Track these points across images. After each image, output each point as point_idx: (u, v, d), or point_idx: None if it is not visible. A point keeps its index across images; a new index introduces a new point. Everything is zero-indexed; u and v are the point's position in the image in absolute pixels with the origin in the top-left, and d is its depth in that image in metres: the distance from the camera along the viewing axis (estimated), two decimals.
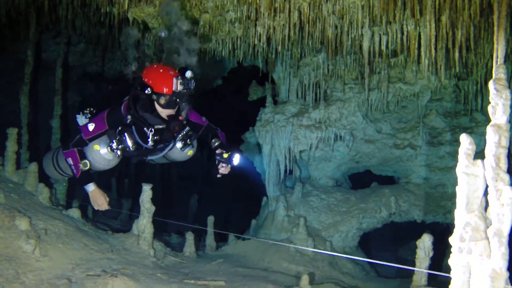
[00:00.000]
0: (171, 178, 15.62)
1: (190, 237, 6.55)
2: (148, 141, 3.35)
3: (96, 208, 3.51)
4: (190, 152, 3.58)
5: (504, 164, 2.88)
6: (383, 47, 5.23)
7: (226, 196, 14.18)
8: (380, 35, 5.15)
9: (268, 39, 5.54)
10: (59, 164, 3.80)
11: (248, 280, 5.34)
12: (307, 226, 7.34)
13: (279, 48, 5.49)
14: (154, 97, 3.09)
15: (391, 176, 9.22)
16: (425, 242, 5.05)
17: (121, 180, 11.62)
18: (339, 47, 5.56)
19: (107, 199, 3.55)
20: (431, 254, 5.09)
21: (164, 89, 3.05)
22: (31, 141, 7.53)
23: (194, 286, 4.81)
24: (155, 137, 3.33)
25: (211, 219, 7.23)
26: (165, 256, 5.90)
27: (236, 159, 3.23)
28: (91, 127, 3.22)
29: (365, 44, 5.21)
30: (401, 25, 4.76)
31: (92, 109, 3.60)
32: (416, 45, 4.77)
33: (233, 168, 3.31)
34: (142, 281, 4.59)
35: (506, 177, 2.88)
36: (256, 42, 5.41)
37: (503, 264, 2.89)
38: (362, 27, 5.03)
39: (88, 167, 3.31)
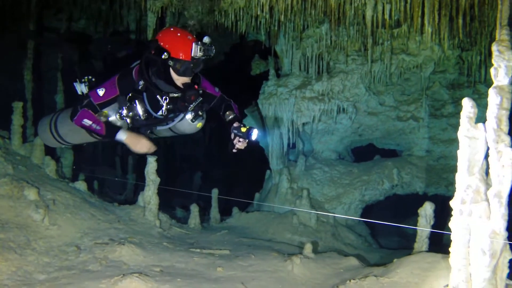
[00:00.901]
0: (174, 157, 15.72)
1: (195, 209, 6.66)
2: (162, 110, 3.11)
3: (143, 151, 3.10)
4: (199, 124, 3.31)
5: (505, 126, 2.91)
6: (387, 16, 5.19)
7: (230, 175, 14.29)
8: (383, 3, 5.11)
9: (271, 10, 5.51)
10: (58, 130, 3.49)
11: (253, 249, 5.45)
12: (310, 198, 7.43)
13: (282, 18, 5.46)
14: (171, 62, 2.80)
15: (393, 150, 9.27)
16: (426, 210, 5.13)
17: (125, 158, 11.71)
18: (342, 17, 5.52)
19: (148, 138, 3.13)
20: (432, 221, 5.17)
21: (182, 55, 2.79)
22: (36, 116, 7.58)
23: (199, 254, 4.92)
24: (169, 106, 3.08)
25: (215, 192, 7.32)
26: (171, 227, 6.01)
27: (255, 134, 2.98)
28: (101, 92, 2.92)
29: (368, 13, 5.18)
30: None
31: (90, 77, 3.35)
32: (420, 13, 4.73)
33: (250, 142, 3.02)
34: (148, 249, 4.70)
35: (507, 138, 2.91)
36: (259, 12, 5.38)
37: (502, 224, 2.96)
38: None
39: (108, 117, 3.00)
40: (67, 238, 4.46)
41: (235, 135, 2.96)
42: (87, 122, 2.96)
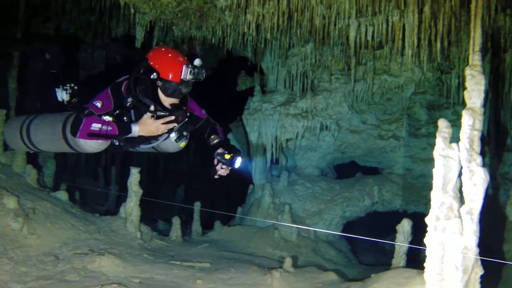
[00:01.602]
0: (158, 170, 15.65)
1: (176, 221, 6.65)
2: None
3: (163, 130, 2.94)
4: (183, 143, 3.21)
5: (477, 146, 3.05)
6: (369, 38, 5.37)
7: (212, 190, 14.27)
8: (366, 25, 5.29)
9: (258, 28, 5.65)
10: (30, 136, 3.33)
11: (233, 262, 5.46)
12: (292, 213, 7.50)
13: (268, 36, 5.60)
14: (159, 83, 2.74)
15: (375, 167, 9.43)
16: (404, 227, 5.24)
17: (108, 169, 11.63)
18: (327, 37, 5.69)
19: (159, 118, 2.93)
20: (410, 238, 5.28)
21: (172, 76, 2.73)
22: None
23: (180, 266, 4.92)
24: None
25: (197, 205, 7.33)
26: (152, 239, 5.99)
27: (238, 162, 2.91)
28: (99, 104, 2.81)
29: (352, 34, 5.35)
30: (387, 16, 4.90)
31: (73, 85, 3.28)
32: (400, 36, 4.92)
33: (233, 170, 2.94)
34: (128, 260, 4.68)
35: (479, 158, 3.04)
36: (245, 30, 5.51)
37: (474, 240, 3.08)
38: (349, 18, 5.16)
39: (112, 117, 2.87)
40: (45, 247, 4.42)
41: (218, 161, 2.88)
42: (96, 126, 2.76)
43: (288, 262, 5.28)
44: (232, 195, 12.39)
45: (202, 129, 3.22)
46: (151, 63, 2.76)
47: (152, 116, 2.86)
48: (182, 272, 4.67)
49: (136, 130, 2.85)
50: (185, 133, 3.12)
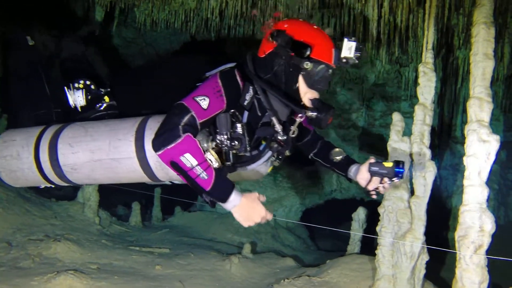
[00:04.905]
0: None
1: (136, 207, 6.61)
2: (280, 143, 1.94)
3: (256, 222, 1.74)
4: (270, 168, 2.17)
5: (427, 140, 3.22)
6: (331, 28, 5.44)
7: None
8: (328, 16, 5.37)
9: (221, 14, 5.61)
10: (58, 160, 1.99)
11: (193, 248, 5.51)
12: None
13: (231, 22, 5.58)
14: (307, 65, 1.78)
15: None
16: (359, 215, 5.45)
17: None
18: None
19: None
20: (364, 225, 5.50)
21: (326, 56, 1.82)
22: None
23: (139, 252, 4.92)
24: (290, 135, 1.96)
25: (158, 191, 7.29)
26: (111, 225, 5.94)
27: (406, 168, 2.20)
28: (204, 103, 1.70)
29: None
30: (349, 8, 4.99)
31: (86, 81, 2.26)
32: (361, 29, 5.03)
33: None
34: (86, 246, 4.63)
35: (428, 151, 3.21)
36: (209, 15, 5.47)
37: (421, 229, 3.26)
38: (312, 8, 5.21)
39: (218, 162, 1.77)
40: None
41: (375, 175, 1.98)
42: (189, 161, 1.60)
43: (247, 248, 5.39)
44: None
45: (309, 144, 2.31)
46: (294, 36, 1.81)
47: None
48: (141, 257, 4.67)
49: (232, 205, 1.68)
50: (287, 152, 2.06)
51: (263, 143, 1.99)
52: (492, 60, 2.53)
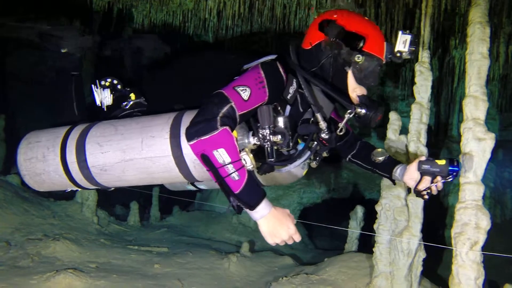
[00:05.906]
0: None
1: (134, 206, 6.62)
2: (322, 141, 1.85)
3: (282, 240, 1.51)
4: (306, 170, 2.08)
5: (423, 139, 3.25)
6: None
7: None
8: None
9: (219, 14, 5.64)
10: (86, 159, 1.85)
11: (191, 247, 5.53)
12: None
13: (229, 23, 5.61)
14: (359, 58, 1.68)
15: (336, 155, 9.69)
16: (357, 213, 5.48)
17: None
18: (287, 27, 5.76)
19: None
20: (362, 224, 5.53)
21: (380, 50, 1.70)
22: None
23: (137, 251, 4.93)
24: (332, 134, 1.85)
25: (156, 190, 7.31)
26: (109, 224, 5.95)
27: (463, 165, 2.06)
28: (245, 94, 1.57)
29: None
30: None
31: (113, 80, 2.18)
32: None
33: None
34: (85, 245, 4.64)
35: (425, 150, 3.24)
36: (206, 16, 5.49)
37: (418, 226, 3.29)
38: (309, 9, 5.25)
39: (253, 164, 1.55)
40: None
41: (426, 174, 1.80)
42: (221, 157, 1.43)
43: (245, 247, 5.42)
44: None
45: (346, 145, 2.16)
46: (346, 26, 1.69)
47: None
48: (139, 256, 4.69)
49: (260, 215, 1.48)
50: (325, 153, 1.95)
51: (300, 142, 1.88)
52: (487, 59, 2.56)
